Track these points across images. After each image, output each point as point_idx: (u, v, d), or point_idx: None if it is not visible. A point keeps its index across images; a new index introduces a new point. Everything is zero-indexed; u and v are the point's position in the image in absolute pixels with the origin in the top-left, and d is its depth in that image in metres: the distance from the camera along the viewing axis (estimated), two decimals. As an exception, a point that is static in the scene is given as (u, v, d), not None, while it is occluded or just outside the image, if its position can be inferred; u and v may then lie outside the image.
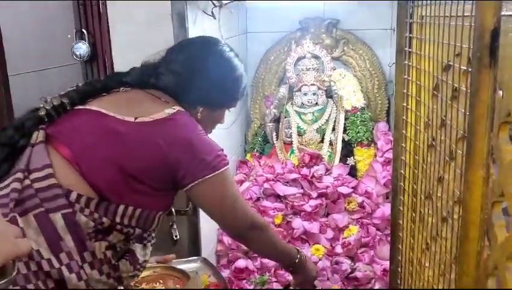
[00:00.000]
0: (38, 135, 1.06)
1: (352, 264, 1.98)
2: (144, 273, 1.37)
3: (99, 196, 1.03)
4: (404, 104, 1.38)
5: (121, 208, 1.05)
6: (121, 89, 1.18)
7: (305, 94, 2.33)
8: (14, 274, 0.62)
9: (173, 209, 1.67)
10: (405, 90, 1.37)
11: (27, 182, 1.00)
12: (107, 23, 1.69)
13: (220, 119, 1.31)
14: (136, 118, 1.07)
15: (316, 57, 2.34)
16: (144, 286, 1.35)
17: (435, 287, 1.10)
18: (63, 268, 0.97)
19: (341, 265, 1.96)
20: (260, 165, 2.27)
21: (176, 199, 1.69)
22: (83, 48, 1.88)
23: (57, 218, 0.97)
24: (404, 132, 1.40)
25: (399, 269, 1.47)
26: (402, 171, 1.44)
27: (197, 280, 1.32)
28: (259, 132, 2.48)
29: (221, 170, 1.12)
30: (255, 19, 2.54)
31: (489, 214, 0.77)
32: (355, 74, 2.44)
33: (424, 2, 1.16)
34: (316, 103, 2.35)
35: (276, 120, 2.40)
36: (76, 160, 1.04)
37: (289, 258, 1.32)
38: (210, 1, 1.64)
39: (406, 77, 1.35)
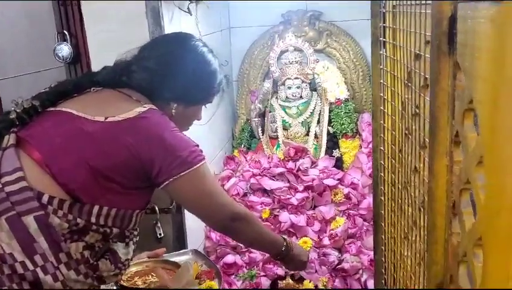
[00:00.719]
0: (9, 139, 1.06)
1: (340, 255, 1.99)
2: (136, 268, 1.39)
3: (72, 197, 1.03)
4: (381, 95, 1.38)
5: (96, 208, 1.05)
6: (92, 89, 1.17)
7: (289, 88, 2.33)
8: None
9: (156, 208, 1.68)
10: (381, 81, 1.37)
11: None
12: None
13: (196, 116, 1.31)
14: (106, 118, 1.07)
15: (299, 50, 2.33)
16: (136, 279, 1.36)
17: (413, 276, 1.11)
18: (38, 270, 0.97)
19: (328, 257, 1.96)
20: (247, 161, 2.27)
21: (159, 197, 1.70)
22: (65, 50, 1.86)
23: (29, 221, 0.97)
24: (382, 122, 1.40)
25: (383, 259, 1.48)
26: (382, 162, 1.44)
27: (188, 266, 1.33)
28: (246, 127, 2.48)
29: (196, 166, 1.11)
30: (238, 14, 2.53)
31: (458, 201, 0.77)
32: (339, 66, 2.44)
33: (395, -9, 1.16)
34: (301, 96, 2.35)
35: (262, 115, 2.40)
36: (46, 162, 1.03)
37: (276, 247, 1.32)
38: (185, -3, 1.62)
39: (381, 67, 1.35)
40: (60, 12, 2.10)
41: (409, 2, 1.01)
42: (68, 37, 1.88)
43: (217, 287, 1.40)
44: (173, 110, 1.21)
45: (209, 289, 1.44)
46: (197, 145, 1.15)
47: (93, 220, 1.05)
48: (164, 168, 1.08)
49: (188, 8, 1.68)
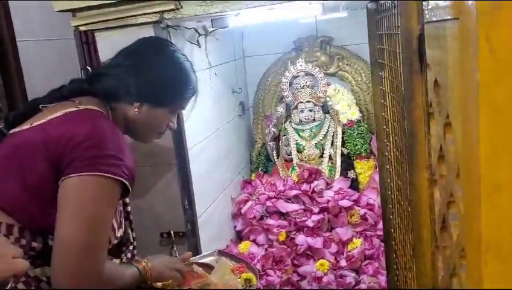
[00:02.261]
0: None
1: (357, 276, 1.98)
2: None
3: (20, 223, 0.98)
4: (383, 114, 1.41)
5: (50, 235, 0.99)
6: (53, 104, 1.13)
7: (302, 111, 2.37)
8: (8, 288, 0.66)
9: (172, 232, 1.73)
10: (382, 101, 1.41)
11: None
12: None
13: (162, 120, 1.23)
14: (31, 124, 1.04)
15: (310, 75, 2.39)
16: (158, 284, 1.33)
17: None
18: None
19: (346, 278, 1.96)
20: (262, 184, 2.31)
21: (175, 221, 1.76)
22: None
23: None
24: (385, 141, 1.42)
25: (395, 278, 1.48)
26: (388, 180, 1.46)
27: (225, 262, 1.35)
28: (263, 151, 2.53)
29: (109, 175, 0.96)
30: (252, 43, 2.61)
31: (446, 214, 0.79)
32: (352, 88, 2.47)
33: (387, 13, 1.21)
34: (314, 119, 2.38)
35: (276, 138, 2.45)
36: None
37: (136, 281, 1.14)
38: (193, 28, 1.70)
39: (381, 87, 1.39)
40: (83, 50, 2.23)
41: (396, 24, 1.05)
42: (91, 72, 2.00)
43: (256, 279, 1.40)
44: (136, 110, 1.15)
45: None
46: (125, 160, 0.99)
47: (51, 243, 0.98)
48: (69, 162, 0.95)
49: (197, 41, 1.76)
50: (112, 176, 0.97)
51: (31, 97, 1.94)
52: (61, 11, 1.58)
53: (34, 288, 0.98)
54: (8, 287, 0.66)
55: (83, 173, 0.95)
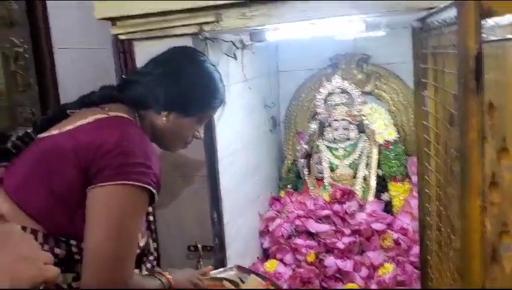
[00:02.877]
0: None
1: (387, 304, 1.90)
2: None
3: (45, 229, 0.98)
4: (425, 136, 1.36)
5: (73, 242, 0.99)
6: (81, 110, 1.14)
7: (336, 129, 2.32)
8: None
9: (199, 245, 1.70)
10: (424, 122, 1.35)
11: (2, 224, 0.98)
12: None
13: (189, 130, 1.22)
14: (61, 129, 1.03)
15: (346, 92, 2.34)
16: None
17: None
18: None
19: (375, 305, 1.88)
20: (292, 202, 2.26)
21: (202, 235, 1.73)
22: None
23: None
24: (426, 164, 1.36)
25: (430, 308, 1.40)
26: (427, 205, 1.39)
27: (255, 278, 1.32)
28: (293, 168, 2.48)
29: (138, 184, 0.94)
30: (287, 58, 2.58)
31: (498, 245, 0.73)
32: (389, 108, 2.41)
33: (435, 32, 1.16)
34: (348, 138, 2.33)
35: (308, 156, 2.40)
36: (12, 194, 1.01)
37: None
38: (230, 41, 1.69)
39: (424, 108, 1.33)
40: (120, 60, 2.25)
41: (446, 43, 1.00)
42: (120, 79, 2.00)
43: None
44: (164, 118, 1.14)
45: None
46: (153, 168, 0.98)
47: (74, 250, 0.99)
48: (98, 171, 0.94)
49: (234, 54, 1.75)
50: (141, 184, 0.96)
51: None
52: (102, 19, 1.59)
53: None
54: None
55: (112, 183, 0.94)
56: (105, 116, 1.06)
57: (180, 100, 1.16)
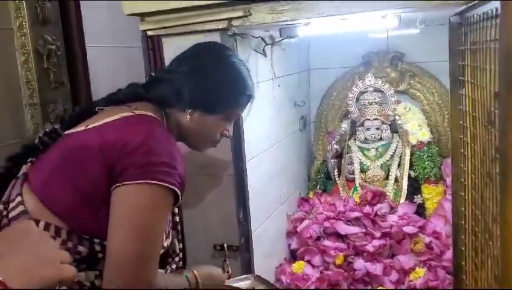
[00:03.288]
0: (24, 167, 1.07)
1: (419, 310, 1.83)
2: None
3: (68, 226, 0.97)
4: (461, 137, 1.29)
5: (96, 240, 0.98)
6: (109, 107, 1.13)
7: (368, 129, 2.26)
8: None
9: (225, 245, 1.68)
10: (461, 122, 1.29)
11: (4, 213, 1.01)
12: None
13: (215, 128, 1.19)
14: (87, 126, 1.03)
15: (379, 91, 2.27)
16: None
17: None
18: None
19: (406, 311, 1.82)
20: (321, 203, 2.21)
21: (228, 234, 1.71)
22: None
23: None
24: (462, 166, 1.30)
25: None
26: (462, 208, 1.33)
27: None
28: (322, 168, 2.43)
29: (157, 182, 0.93)
30: (318, 56, 2.53)
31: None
32: (423, 108, 2.33)
33: (475, 26, 1.10)
34: (380, 138, 2.26)
35: (339, 156, 2.34)
36: (37, 190, 1.01)
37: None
38: (260, 37, 1.66)
39: (460, 107, 1.27)
40: (149, 56, 2.26)
41: (489, 37, 0.94)
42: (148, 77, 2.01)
43: None
44: (188, 116, 1.13)
45: None
46: (178, 169, 0.97)
47: (97, 248, 0.98)
48: (123, 169, 0.94)
49: (264, 50, 1.72)
50: (165, 184, 0.95)
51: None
52: (131, 14, 1.59)
53: None
54: None
55: (137, 181, 0.93)
56: (131, 114, 1.05)
57: (203, 97, 1.14)
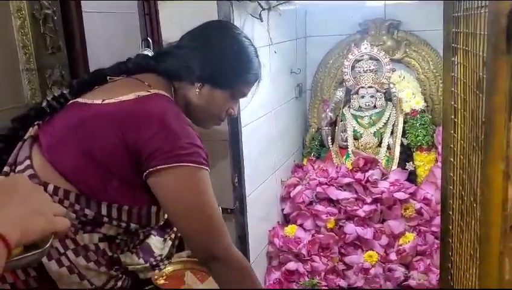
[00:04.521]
0: (31, 130, 1.08)
1: (407, 272, 1.90)
2: (173, 267, 1.40)
3: (77, 189, 1.00)
4: (452, 103, 1.32)
5: (104, 204, 1.01)
6: (119, 77, 1.15)
7: (363, 97, 2.28)
8: (47, 246, 0.65)
9: (220, 207, 1.72)
10: (452, 89, 1.31)
11: (12, 175, 1.03)
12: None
13: (223, 104, 1.21)
14: (103, 100, 1.04)
15: (374, 59, 2.28)
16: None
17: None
18: None
19: (394, 272, 1.89)
20: (314, 169, 2.25)
21: (222, 197, 1.75)
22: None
23: None
24: (452, 132, 1.33)
25: (449, 277, 1.40)
26: (451, 174, 1.37)
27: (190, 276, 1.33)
28: (317, 136, 2.46)
29: (194, 165, 0.99)
30: (315, 23, 2.52)
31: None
32: (418, 77, 2.35)
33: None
34: (374, 106, 2.29)
35: (333, 124, 2.37)
36: (47, 153, 1.03)
37: None
38: (257, 2, 1.65)
39: (452, 74, 1.29)
40: (145, 21, 2.25)
41: (481, 3, 0.96)
42: (151, 43, 2.01)
43: None
44: (197, 90, 1.15)
45: None
46: (202, 148, 1.03)
47: (104, 212, 1.01)
48: (151, 154, 0.98)
49: (260, 15, 1.72)
50: (202, 166, 1.01)
51: (93, 67, 1.99)
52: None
53: (83, 257, 1.00)
54: (47, 246, 0.64)
55: (169, 165, 0.98)
56: (147, 93, 1.05)
57: (213, 71, 1.15)
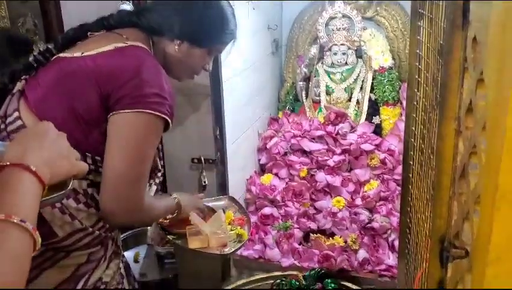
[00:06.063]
0: (19, 84, 1.13)
1: (371, 215, 2.10)
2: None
3: None
4: (417, 64, 1.45)
5: (89, 156, 1.06)
6: (100, 32, 1.19)
7: (335, 54, 2.40)
8: (69, 187, 0.74)
9: (202, 158, 1.84)
10: (417, 51, 1.44)
11: (2, 126, 1.09)
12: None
13: (199, 61, 1.26)
14: (82, 53, 1.09)
15: (347, 17, 2.38)
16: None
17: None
18: None
19: (359, 216, 2.08)
20: (289, 122, 2.39)
21: (205, 148, 1.87)
22: (127, 9, 1.99)
23: None
24: (416, 90, 1.47)
25: (408, 220, 1.57)
26: (413, 128, 1.52)
27: (220, 215, 1.42)
28: (291, 91, 2.58)
29: (153, 112, 1.02)
30: (291, -21, 2.58)
31: (467, 163, 0.86)
32: (387, 35, 2.47)
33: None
34: (346, 63, 2.41)
35: (307, 79, 2.49)
36: (33, 107, 1.08)
37: (171, 212, 1.31)
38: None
39: (418, 37, 1.41)
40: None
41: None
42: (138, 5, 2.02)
43: (246, 235, 1.45)
44: (176, 47, 1.19)
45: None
46: (169, 100, 1.06)
47: (89, 161, 1.06)
48: (118, 100, 1.02)
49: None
50: (157, 113, 1.04)
51: (66, 14, 1.97)
52: None
53: (73, 199, 1.08)
54: (69, 187, 0.74)
55: (132, 110, 1.02)
56: (124, 45, 1.10)
57: (193, 30, 1.19)
